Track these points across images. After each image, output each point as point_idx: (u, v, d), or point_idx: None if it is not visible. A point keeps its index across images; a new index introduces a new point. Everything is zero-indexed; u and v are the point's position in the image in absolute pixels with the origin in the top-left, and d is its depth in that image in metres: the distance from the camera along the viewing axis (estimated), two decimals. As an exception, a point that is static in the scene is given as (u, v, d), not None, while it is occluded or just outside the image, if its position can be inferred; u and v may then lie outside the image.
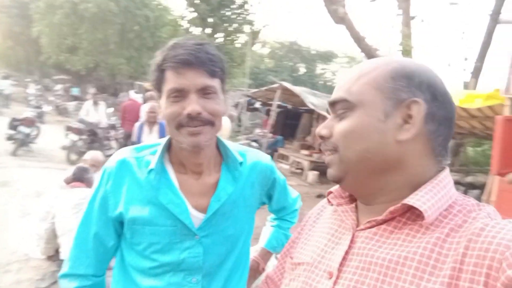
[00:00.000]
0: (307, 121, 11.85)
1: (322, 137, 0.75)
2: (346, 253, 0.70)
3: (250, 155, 1.25)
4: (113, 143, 9.42)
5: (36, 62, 25.58)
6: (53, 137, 10.46)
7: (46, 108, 11.33)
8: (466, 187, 7.58)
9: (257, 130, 14.08)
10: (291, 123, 12.86)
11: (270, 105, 12.22)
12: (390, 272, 0.62)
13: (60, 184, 4.04)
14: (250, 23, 20.26)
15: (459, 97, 4.73)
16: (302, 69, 30.10)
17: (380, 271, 0.63)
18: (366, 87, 0.69)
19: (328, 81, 30.64)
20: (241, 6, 19.54)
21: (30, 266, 3.66)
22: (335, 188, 0.81)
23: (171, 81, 1.00)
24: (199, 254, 1.10)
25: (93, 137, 8.39)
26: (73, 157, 8.13)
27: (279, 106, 11.53)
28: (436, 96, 0.67)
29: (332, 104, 0.74)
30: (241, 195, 1.18)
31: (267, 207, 1.46)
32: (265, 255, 1.52)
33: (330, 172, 0.74)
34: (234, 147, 1.21)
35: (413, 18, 9.39)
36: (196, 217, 1.10)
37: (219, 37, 19.51)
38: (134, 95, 9.38)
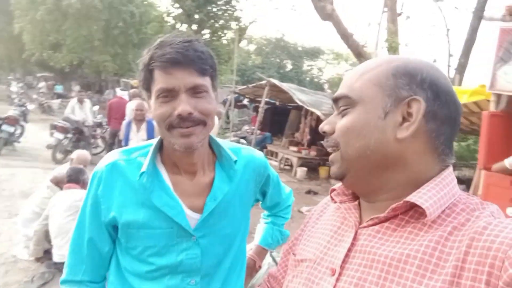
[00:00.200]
0: (295, 117, 11.87)
1: (324, 133, 0.75)
2: (349, 250, 0.70)
3: (244, 152, 1.23)
4: (100, 142, 9.32)
5: (18, 60, 25.09)
6: (37, 136, 10.29)
7: (30, 106, 11.08)
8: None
9: (246, 127, 14.08)
10: (279, 119, 12.86)
11: (258, 101, 12.23)
12: (393, 270, 0.62)
13: (47, 184, 3.99)
14: (237, 19, 20.17)
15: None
16: (289, 66, 30.15)
17: (383, 268, 0.63)
18: (367, 84, 0.69)
19: (315, 78, 30.77)
20: (227, 2, 19.42)
21: (18, 268, 3.59)
22: (338, 185, 0.82)
23: (160, 81, 0.97)
24: (197, 255, 1.08)
25: (79, 135, 8.26)
26: (59, 156, 8.00)
27: (267, 103, 11.53)
28: (439, 94, 0.67)
29: (335, 100, 0.74)
30: (237, 194, 1.16)
31: (260, 204, 1.46)
32: (261, 252, 1.51)
33: (333, 169, 0.75)
34: (226, 144, 1.20)
35: (399, 15, 9.48)
36: (192, 218, 1.08)
37: (206, 34, 19.37)
38: (121, 92, 9.28)
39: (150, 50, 0.99)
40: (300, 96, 9.14)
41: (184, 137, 0.98)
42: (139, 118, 5.17)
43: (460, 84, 6.79)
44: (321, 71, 32.44)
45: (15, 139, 8.70)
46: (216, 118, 7.02)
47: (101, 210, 1.08)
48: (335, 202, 0.82)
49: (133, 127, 5.17)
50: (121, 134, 5.31)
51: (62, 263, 1.22)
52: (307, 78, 29.39)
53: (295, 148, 9.86)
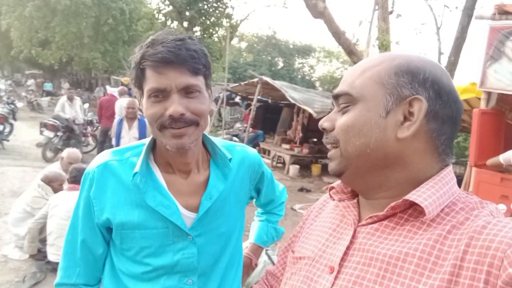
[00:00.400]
0: (287, 115, 11.88)
1: (324, 130, 0.74)
2: (348, 248, 0.70)
3: (238, 149, 1.23)
4: (91, 140, 9.24)
5: (6, 57, 24.71)
6: (27, 134, 10.17)
7: (19, 104, 10.94)
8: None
9: (238, 125, 14.07)
10: (271, 117, 12.86)
11: (250, 99, 12.20)
12: (391, 268, 0.62)
13: (38, 183, 3.94)
14: (228, 16, 20.11)
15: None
16: (280, 63, 30.18)
17: (381, 266, 0.63)
18: (369, 82, 0.68)
19: (306, 75, 30.85)
20: (218, 0, 19.35)
21: (9, 268, 3.55)
22: (337, 183, 0.81)
23: (152, 80, 0.95)
24: (193, 255, 1.07)
25: (70, 133, 8.16)
26: (49, 154, 7.91)
27: (259, 101, 11.52)
28: (441, 94, 0.66)
29: (336, 97, 0.74)
30: (232, 191, 1.16)
31: (254, 202, 1.46)
32: (256, 250, 1.52)
33: (331, 166, 0.74)
34: (220, 142, 1.19)
35: (390, 13, 9.53)
36: (188, 217, 1.07)
37: (197, 31, 19.28)
38: (111, 90, 9.19)
39: (141, 48, 0.97)
40: (292, 93, 9.14)
41: (176, 138, 0.97)
42: (131, 116, 5.12)
43: (450, 82, 6.84)
44: (313, 69, 32.57)
45: (4, 138, 8.59)
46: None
47: (94, 211, 1.06)
48: (334, 200, 0.82)
49: (125, 125, 5.13)
50: (113, 132, 5.26)
51: (57, 263, 1.21)
52: (299, 76, 29.47)
53: (287, 146, 9.86)
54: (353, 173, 0.71)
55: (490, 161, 3.38)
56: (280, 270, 0.99)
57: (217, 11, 19.67)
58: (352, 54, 9.34)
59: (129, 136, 5.04)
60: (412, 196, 0.63)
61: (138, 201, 1.03)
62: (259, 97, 10.63)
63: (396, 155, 0.66)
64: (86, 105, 10.95)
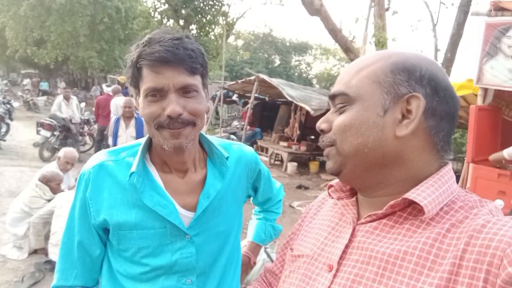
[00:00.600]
0: (284, 112, 11.89)
1: (322, 131, 0.74)
2: (347, 246, 0.70)
3: (234, 148, 1.22)
4: (88, 139, 9.22)
5: (1, 56, 24.54)
6: (23, 133, 10.13)
7: (15, 103, 10.88)
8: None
9: (235, 123, 14.06)
10: (269, 115, 12.87)
11: (248, 97, 12.20)
12: (390, 267, 0.62)
13: (36, 183, 3.93)
14: (224, 14, 20.06)
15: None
16: (277, 61, 30.17)
17: (380, 265, 0.63)
18: (365, 81, 0.68)
19: (303, 73, 30.85)
20: (214, -3, 19.30)
21: (8, 268, 3.54)
22: (336, 181, 0.81)
23: (149, 79, 0.94)
24: (192, 254, 1.07)
25: (66, 133, 8.14)
26: (46, 154, 7.88)
27: (256, 98, 11.52)
28: (438, 90, 0.66)
29: (332, 97, 0.73)
30: (229, 190, 1.15)
31: (252, 200, 1.45)
32: (255, 248, 1.51)
33: (328, 164, 0.73)
34: (216, 141, 1.18)
35: (386, 10, 9.53)
36: (186, 216, 1.06)
37: (193, 29, 19.23)
38: (107, 89, 9.17)
39: (138, 46, 0.96)
40: (290, 91, 9.14)
41: (173, 138, 0.97)
42: (128, 115, 5.11)
43: (447, 78, 6.87)
44: (310, 66, 32.59)
45: (0, 137, 8.55)
46: (204, 113, 6.97)
47: (91, 212, 1.05)
48: (333, 198, 0.81)
49: (122, 124, 5.12)
50: (110, 131, 5.25)
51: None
52: (296, 73, 29.47)
53: (285, 143, 9.87)
54: (351, 172, 0.70)
55: (493, 156, 3.39)
56: (279, 267, 0.99)
57: (213, 9, 19.62)
58: (349, 51, 9.33)
59: (126, 135, 5.03)
60: (411, 194, 0.63)
61: (135, 201, 1.03)
62: (256, 95, 10.62)
63: (395, 153, 0.66)
64: (83, 104, 10.93)
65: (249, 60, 27.58)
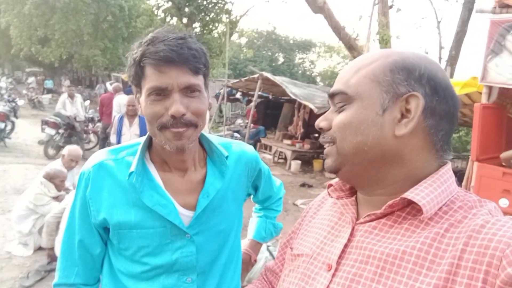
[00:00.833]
0: (288, 111, 11.87)
1: (321, 129, 0.74)
2: (346, 246, 0.70)
3: (234, 147, 1.22)
4: (92, 137, 9.26)
5: (6, 55, 24.69)
6: (28, 131, 10.19)
7: (20, 101, 10.96)
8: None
9: (239, 121, 14.06)
10: (272, 113, 12.86)
11: (251, 95, 12.19)
12: (388, 266, 0.62)
13: (40, 180, 3.96)
14: (228, 12, 20.04)
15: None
16: (280, 59, 30.11)
17: (378, 264, 0.63)
18: (364, 80, 0.68)
19: (307, 70, 30.79)
20: (218, -5, 19.28)
21: (13, 264, 3.57)
22: (335, 181, 0.81)
23: (152, 79, 0.93)
24: (192, 253, 1.07)
25: (71, 130, 8.19)
26: (51, 151, 7.93)
27: (260, 96, 11.51)
28: (437, 90, 0.65)
29: (331, 96, 0.73)
30: (229, 189, 1.15)
31: (252, 198, 1.46)
32: (255, 246, 1.52)
33: (327, 162, 0.74)
34: (216, 140, 1.18)
35: (390, 7, 9.49)
36: (185, 216, 1.06)
37: (196, 27, 19.23)
38: (111, 87, 9.19)
39: (141, 45, 0.96)
40: (293, 89, 9.13)
41: (176, 139, 0.97)
42: (132, 113, 5.12)
43: (451, 76, 6.85)
44: (313, 64, 32.51)
45: (5, 135, 8.61)
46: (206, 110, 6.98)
47: (91, 211, 1.06)
48: (332, 198, 0.82)
49: (126, 122, 5.13)
50: (113, 129, 5.27)
51: None
52: (299, 71, 29.41)
53: (288, 142, 9.87)
54: (350, 170, 0.71)
55: (504, 155, 3.37)
56: (279, 266, 1.00)
57: (216, 7, 19.60)
58: (352, 49, 9.31)
59: (130, 133, 5.05)
60: (410, 194, 0.63)
61: (135, 200, 1.03)
62: (259, 93, 10.62)
63: (394, 152, 0.66)
64: (87, 102, 10.97)
65: (253, 58, 27.55)
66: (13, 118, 9.11)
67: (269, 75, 9.74)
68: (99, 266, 1.14)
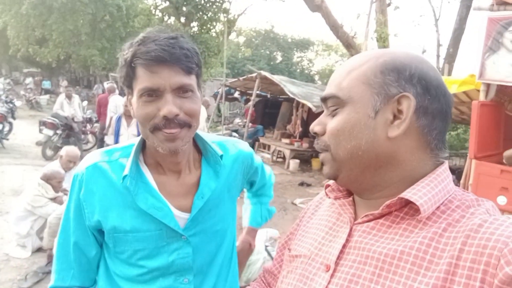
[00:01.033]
0: (286, 109, 11.87)
1: (316, 134, 0.74)
2: (344, 246, 0.70)
3: (230, 145, 1.21)
4: (90, 137, 9.25)
5: (4, 56, 24.64)
6: (26, 132, 10.16)
7: (17, 102, 10.93)
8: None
9: (237, 120, 14.05)
10: (271, 112, 12.87)
11: (249, 94, 12.18)
12: (387, 266, 0.62)
13: (38, 181, 3.95)
14: (226, 11, 20.00)
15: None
16: (279, 58, 30.11)
17: (377, 265, 0.63)
18: (355, 82, 0.67)
19: (305, 69, 30.79)
20: (215, -6, 19.23)
21: (11, 266, 3.56)
22: (333, 181, 0.81)
23: (144, 79, 0.92)
24: (188, 254, 1.06)
25: (69, 131, 8.18)
26: (49, 152, 7.92)
27: (258, 95, 11.51)
28: (429, 88, 0.65)
29: (324, 100, 0.73)
30: (225, 189, 1.14)
31: (246, 190, 1.48)
32: (251, 232, 1.53)
33: (325, 169, 0.74)
34: (212, 138, 1.16)
35: (388, 5, 9.48)
36: (181, 218, 1.05)
37: (194, 27, 19.19)
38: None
39: (132, 45, 0.94)
40: (291, 88, 9.13)
41: (169, 141, 0.95)
42: (129, 114, 5.11)
43: (449, 74, 6.84)
44: (312, 63, 32.52)
45: (3, 136, 8.60)
46: (203, 108, 6.97)
47: (85, 214, 1.05)
48: (330, 198, 0.81)
49: (123, 122, 5.13)
50: (111, 129, 5.26)
51: None
52: (298, 70, 29.42)
53: (287, 140, 9.87)
54: (347, 176, 0.71)
55: (507, 153, 3.37)
56: (277, 267, 0.99)
57: (214, 6, 19.54)
58: (350, 47, 9.31)
59: (128, 133, 5.05)
60: (407, 194, 0.63)
61: (130, 203, 1.01)
62: (258, 92, 10.61)
63: (388, 154, 0.66)
64: (85, 103, 10.96)
65: (251, 57, 27.54)
66: (10, 119, 9.11)
67: (267, 74, 9.74)
68: (95, 268, 1.13)
